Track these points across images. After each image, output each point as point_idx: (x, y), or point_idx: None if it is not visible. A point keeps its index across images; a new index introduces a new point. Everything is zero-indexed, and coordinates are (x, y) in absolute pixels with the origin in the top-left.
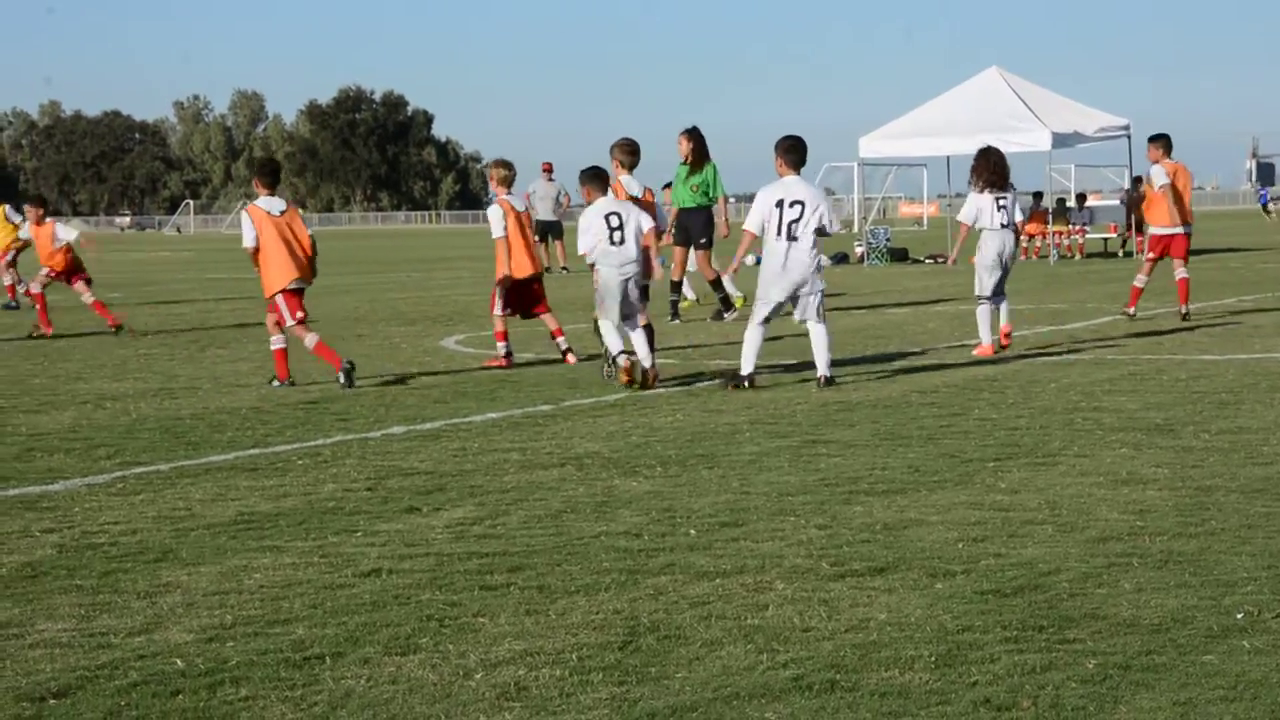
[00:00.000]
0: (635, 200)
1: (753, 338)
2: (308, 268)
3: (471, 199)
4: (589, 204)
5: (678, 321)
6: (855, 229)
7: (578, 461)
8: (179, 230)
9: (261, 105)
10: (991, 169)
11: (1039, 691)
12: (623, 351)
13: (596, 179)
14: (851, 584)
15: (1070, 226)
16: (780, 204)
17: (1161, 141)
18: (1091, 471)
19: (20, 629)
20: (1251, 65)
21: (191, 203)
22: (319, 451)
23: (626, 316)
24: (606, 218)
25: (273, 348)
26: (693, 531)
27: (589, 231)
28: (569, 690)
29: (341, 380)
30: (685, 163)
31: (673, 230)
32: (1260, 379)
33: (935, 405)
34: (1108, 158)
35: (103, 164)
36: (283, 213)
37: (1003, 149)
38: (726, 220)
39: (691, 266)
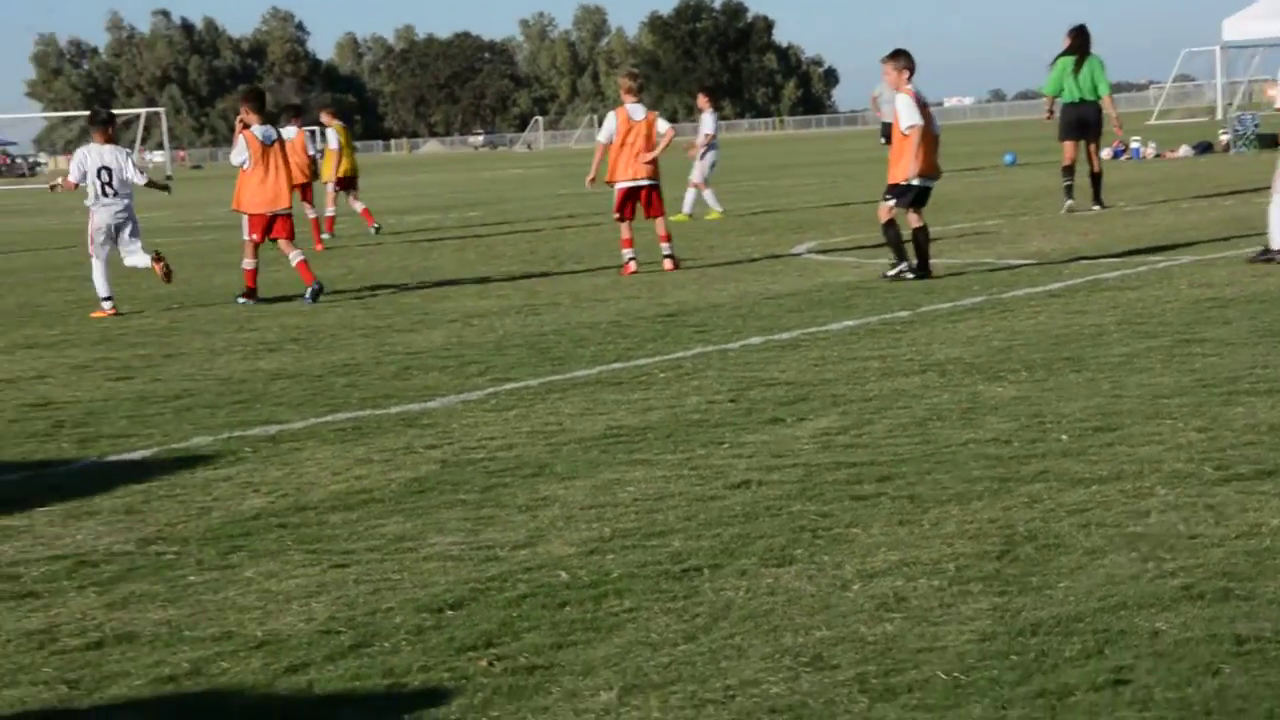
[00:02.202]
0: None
1: (1276, 213)
2: (286, 194)
3: (814, 103)
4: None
5: (1072, 205)
6: (1220, 115)
7: (939, 368)
8: (529, 147)
9: (604, 19)
10: None
11: None
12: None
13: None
14: (1238, 488)
15: None
16: None
17: None
18: None
19: (414, 542)
20: None
21: (540, 119)
22: (680, 364)
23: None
24: (98, 171)
25: (245, 267)
26: (1064, 437)
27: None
28: (948, 601)
29: (307, 297)
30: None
31: (1053, 118)
32: None
33: None
34: None
35: (455, 85)
36: (274, 142)
37: None
38: (1050, 111)
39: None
